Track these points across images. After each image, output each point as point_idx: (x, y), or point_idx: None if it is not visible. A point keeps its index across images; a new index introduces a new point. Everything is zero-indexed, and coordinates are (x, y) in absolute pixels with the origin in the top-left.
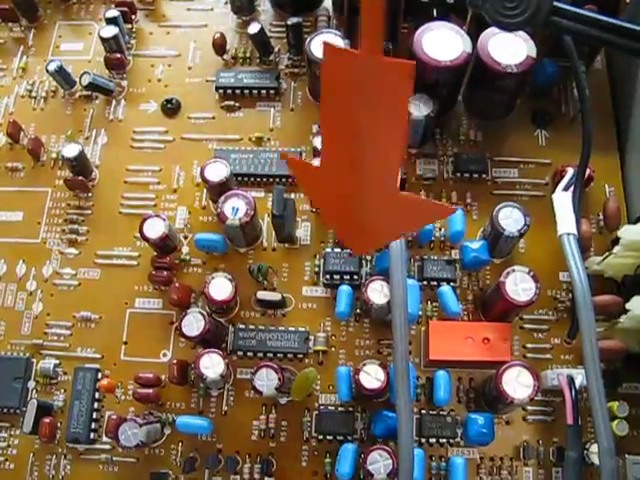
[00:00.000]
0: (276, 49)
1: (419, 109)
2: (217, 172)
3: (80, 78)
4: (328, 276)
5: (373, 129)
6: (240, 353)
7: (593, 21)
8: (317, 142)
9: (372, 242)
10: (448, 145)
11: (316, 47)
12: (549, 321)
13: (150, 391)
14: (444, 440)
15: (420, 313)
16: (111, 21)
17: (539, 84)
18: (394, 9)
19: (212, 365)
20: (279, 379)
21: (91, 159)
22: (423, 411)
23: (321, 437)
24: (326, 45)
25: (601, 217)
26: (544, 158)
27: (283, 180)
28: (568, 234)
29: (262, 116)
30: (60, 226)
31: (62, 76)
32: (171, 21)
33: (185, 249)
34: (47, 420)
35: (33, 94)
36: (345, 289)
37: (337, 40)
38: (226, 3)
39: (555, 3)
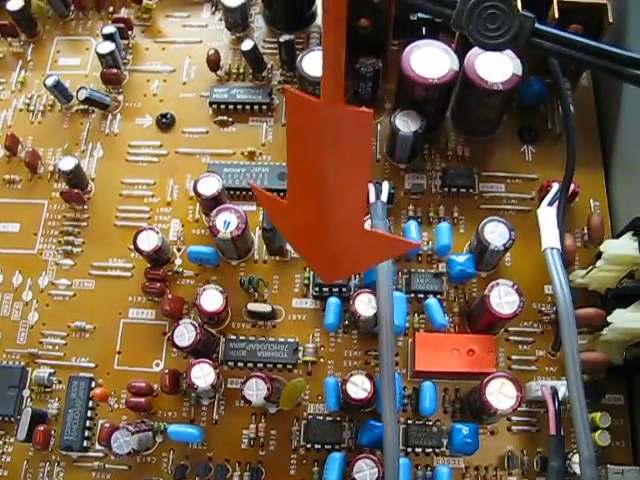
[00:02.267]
0: (269, 65)
1: (407, 126)
2: (209, 186)
3: (77, 93)
4: (317, 288)
5: (337, 171)
6: (231, 363)
7: (573, 43)
8: None
9: (340, 272)
10: (436, 160)
11: (307, 64)
12: (534, 333)
13: (142, 400)
14: (430, 450)
15: (407, 325)
16: (108, 37)
17: (525, 101)
18: (384, 27)
19: (203, 375)
20: (268, 389)
21: (87, 172)
22: (409, 421)
23: (309, 446)
24: (288, 92)
25: (585, 231)
26: (530, 173)
27: (274, 194)
28: (552, 248)
29: (254, 131)
30: (56, 237)
31: (59, 90)
32: (167, 37)
33: (178, 261)
34: (41, 428)
35: (31, 108)
36: (334, 301)
37: None
38: (220, 20)
39: (537, 25)
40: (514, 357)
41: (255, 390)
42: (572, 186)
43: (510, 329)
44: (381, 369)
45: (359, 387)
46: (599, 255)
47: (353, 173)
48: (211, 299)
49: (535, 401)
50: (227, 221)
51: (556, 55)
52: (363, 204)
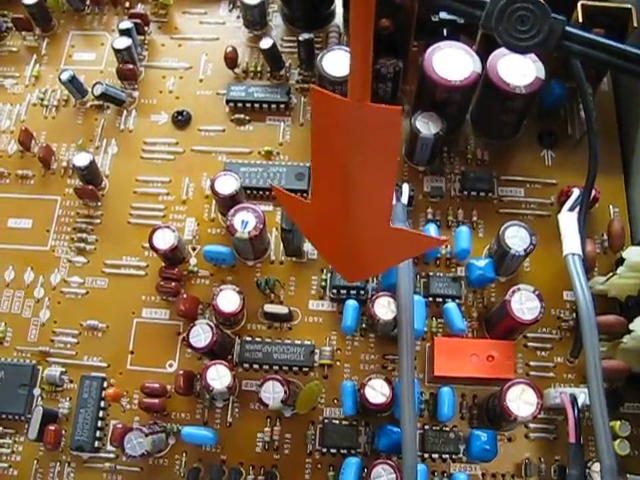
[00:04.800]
0: (287, 64)
1: (428, 128)
2: (227, 185)
3: (92, 88)
4: (335, 290)
5: (364, 169)
6: (246, 365)
7: (603, 46)
8: None
9: (363, 272)
10: (455, 163)
11: (328, 63)
12: (552, 340)
13: (156, 401)
14: (446, 456)
15: (425, 329)
16: (124, 32)
17: (546, 105)
18: (405, 27)
19: (219, 377)
20: (285, 392)
21: (101, 168)
22: (426, 427)
23: (325, 450)
24: (314, 91)
25: (605, 237)
26: (550, 178)
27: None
28: (573, 254)
29: (272, 130)
30: (69, 234)
31: (74, 85)
32: (183, 34)
33: (193, 260)
34: (52, 427)
35: (45, 103)
36: (352, 304)
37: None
38: (238, 17)
39: (567, 28)
40: (532, 363)
41: (272, 393)
42: (592, 192)
43: (528, 335)
44: (401, 373)
45: (378, 391)
46: (620, 262)
47: (380, 171)
48: (228, 300)
49: (553, 408)
50: (245, 221)
51: (586, 58)
52: (389, 202)
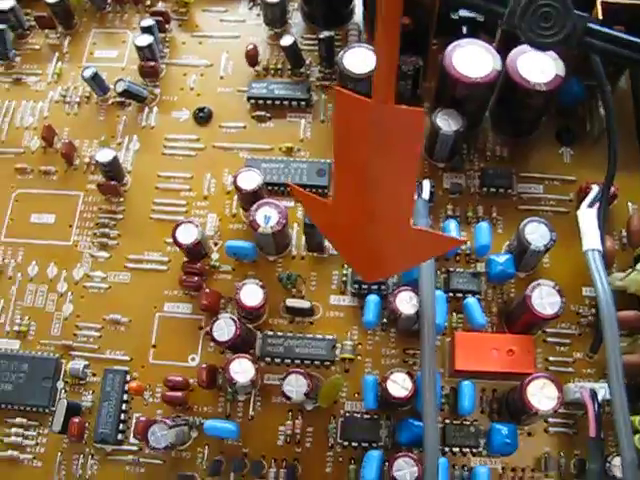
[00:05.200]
0: (307, 61)
1: (448, 124)
2: (250, 180)
3: (115, 85)
4: (356, 285)
5: (385, 170)
6: (268, 359)
7: (625, 42)
8: None
9: (383, 272)
10: (475, 160)
11: (349, 61)
12: (572, 335)
13: (179, 394)
14: (467, 449)
15: (446, 324)
16: (146, 30)
17: (564, 102)
18: (425, 25)
19: (242, 370)
20: (308, 385)
21: (123, 164)
22: (447, 421)
23: (346, 444)
24: (338, 92)
25: (624, 234)
26: (569, 175)
27: (314, 190)
28: (593, 250)
29: (293, 127)
30: (91, 229)
31: (97, 82)
32: (204, 31)
33: (215, 255)
34: (76, 420)
35: (67, 99)
36: (373, 299)
37: (369, 54)
38: (258, 15)
39: (589, 24)
40: (551, 358)
41: (295, 386)
42: (612, 188)
43: (548, 330)
44: (423, 367)
45: (400, 385)
46: (638, 258)
47: (402, 172)
48: (251, 294)
49: (573, 403)
50: (268, 216)
51: (608, 54)
52: (410, 203)
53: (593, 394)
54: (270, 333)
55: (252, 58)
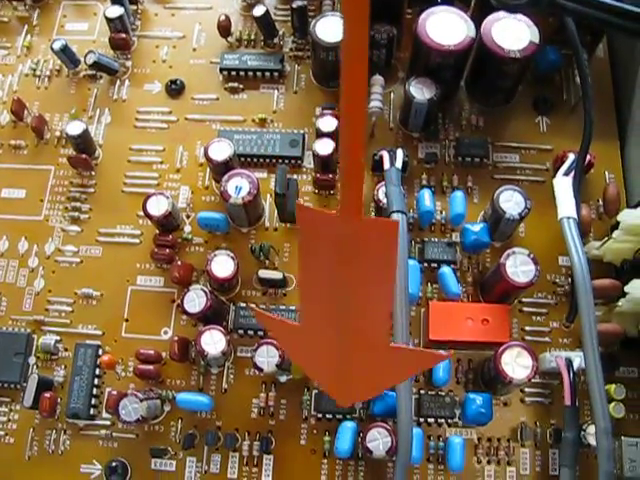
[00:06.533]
0: (280, 32)
1: (422, 93)
2: (221, 151)
3: (85, 57)
4: None
5: (359, 285)
6: (241, 331)
7: (596, 4)
8: (320, 124)
9: (360, 396)
10: (450, 129)
11: (321, 30)
12: (548, 305)
13: (151, 367)
14: (442, 420)
15: (420, 294)
16: (117, 1)
17: (541, 71)
18: None
19: (213, 342)
20: (280, 355)
21: (95, 138)
22: (422, 391)
23: (320, 416)
24: (300, 208)
25: (600, 203)
26: (545, 144)
27: (286, 161)
28: (568, 218)
29: (265, 98)
30: (63, 204)
31: (67, 55)
32: (176, 3)
33: (187, 228)
34: (47, 395)
35: (37, 73)
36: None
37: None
38: None
39: None
40: (528, 328)
41: (266, 357)
42: (588, 157)
43: (524, 300)
44: (396, 337)
45: None
46: (615, 227)
47: (377, 286)
48: (222, 265)
49: (549, 372)
50: (239, 186)
51: (579, 15)
52: (388, 320)
53: (569, 363)
54: (243, 305)
55: (225, 29)
